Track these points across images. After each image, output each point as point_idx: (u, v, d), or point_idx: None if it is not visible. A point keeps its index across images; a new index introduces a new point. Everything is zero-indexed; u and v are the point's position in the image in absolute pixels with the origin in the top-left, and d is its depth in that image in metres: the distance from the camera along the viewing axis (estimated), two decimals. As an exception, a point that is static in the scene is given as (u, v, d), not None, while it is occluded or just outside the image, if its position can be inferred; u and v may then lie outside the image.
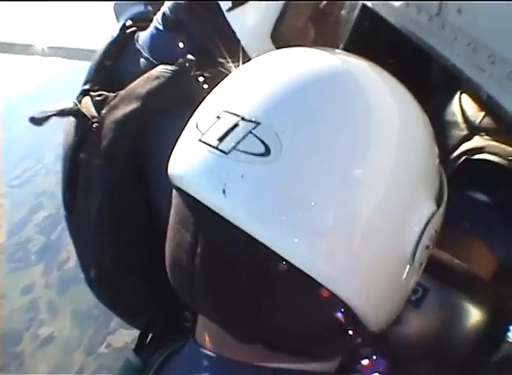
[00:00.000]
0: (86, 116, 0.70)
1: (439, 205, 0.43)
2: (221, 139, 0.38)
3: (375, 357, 0.44)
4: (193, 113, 0.44)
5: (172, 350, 0.50)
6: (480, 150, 0.61)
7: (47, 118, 0.69)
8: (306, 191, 0.36)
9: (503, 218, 0.61)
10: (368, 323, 0.40)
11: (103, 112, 0.69)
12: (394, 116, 0.41)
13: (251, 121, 0.37)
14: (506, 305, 0.57)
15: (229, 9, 0.73)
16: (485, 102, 0.51)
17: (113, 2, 1.03)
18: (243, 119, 0.37)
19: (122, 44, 0.81)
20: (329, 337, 0.41)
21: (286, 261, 0.36)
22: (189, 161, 0.40)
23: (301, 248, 0.36)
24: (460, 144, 0.64)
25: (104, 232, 0.71)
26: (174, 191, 0.43)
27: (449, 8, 0.55)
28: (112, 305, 0.81)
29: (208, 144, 0.38)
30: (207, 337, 0.45)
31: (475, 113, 0.64)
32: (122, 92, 0.70)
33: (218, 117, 0.39)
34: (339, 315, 0.38)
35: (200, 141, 0.39)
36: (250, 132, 0.37)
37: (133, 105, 0.67)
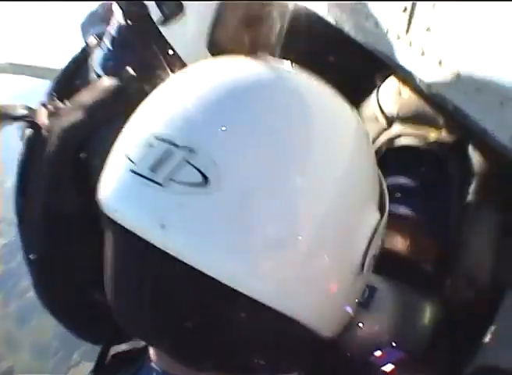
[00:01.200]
0: (37, 124, 0.73)
1: (382, 214, 0.42)
2: (154, 169, 0.35)
3: (388, 348, 0.43)
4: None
5: (131, 373, 0.48)
6: (397, 137, 0.67)
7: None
8: (250, 216, 0.34)
9: (426, 197, 0.64)
10: (320, 333, 0.40)
11: (53, 120, 0.73)
12: (336, 123, 0.41)
13: (185, 148, 0.35)
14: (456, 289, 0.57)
15: (162, 24, 0.78)
16: (450, 114, 0.54)
17: (81, 21, 1.04)
18: (176, 146, 0.35)
19: (81, 62, 0.87)
20: (285, 353, 0.41)
21: (236, 291, 0.35)
22: (122, 193, 0.37)
23: (245, 272, 0.35)
24: (379, 136, 0.69)
25: (46, 240, 0.72)
26: (107, 222, 0.39)
27: (417, 27, 0.57)
28: (63, 316, 0.79)
29: (141, 176, 0.36)
30: (163, 359, 0.43)
31: (391, 107, 0.71)
32: (70, 102, 0.74)
33: (148, 143, 0.36)
34: (292, 330, 0.38)
35: (132, 171, 0.36)
36: (186, 161, 0.34)
37: (78, 114, 0.71)
